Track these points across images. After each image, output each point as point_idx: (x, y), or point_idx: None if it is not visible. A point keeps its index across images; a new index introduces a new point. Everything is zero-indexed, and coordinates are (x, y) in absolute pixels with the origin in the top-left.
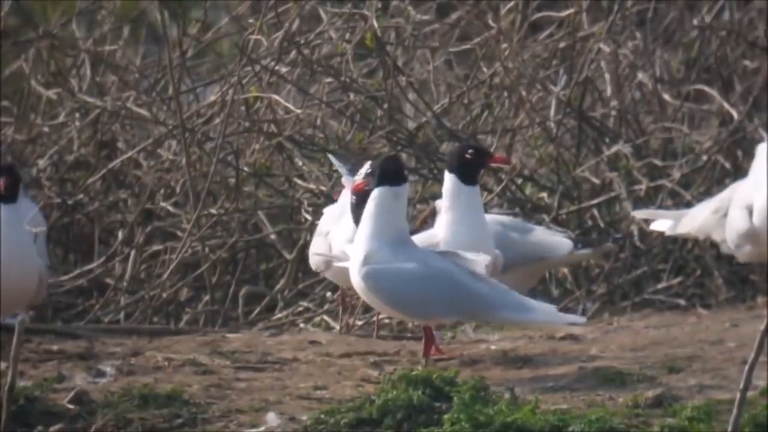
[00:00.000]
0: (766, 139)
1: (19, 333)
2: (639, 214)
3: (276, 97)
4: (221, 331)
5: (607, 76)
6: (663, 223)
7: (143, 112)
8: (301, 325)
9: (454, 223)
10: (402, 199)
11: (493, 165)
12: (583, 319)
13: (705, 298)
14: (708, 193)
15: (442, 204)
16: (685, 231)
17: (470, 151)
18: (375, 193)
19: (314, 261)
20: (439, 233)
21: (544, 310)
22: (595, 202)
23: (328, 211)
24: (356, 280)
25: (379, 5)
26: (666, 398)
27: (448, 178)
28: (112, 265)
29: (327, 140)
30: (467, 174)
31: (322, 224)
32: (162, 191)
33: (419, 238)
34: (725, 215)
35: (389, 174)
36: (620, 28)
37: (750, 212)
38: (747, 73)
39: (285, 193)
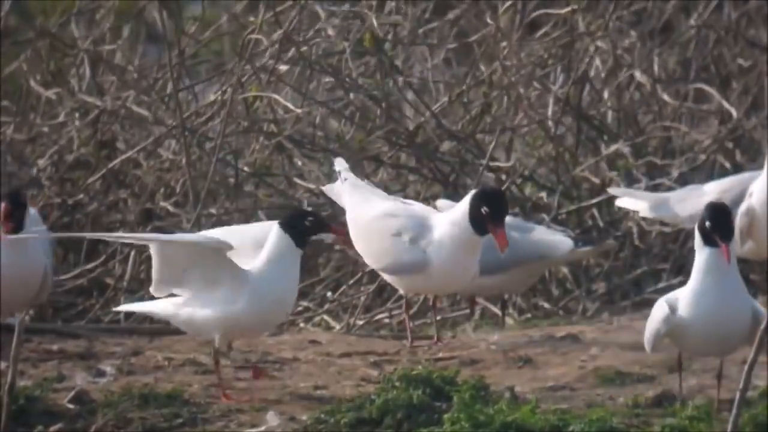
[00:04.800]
0: None
1: (19, 332)
2: (613, 192)
3: (276, 96)
4: None
5: (603, 75)
6: (635, 203)
7: (143, 111)
8: (301, 324)
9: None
10: None
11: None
12: None
13: None
14: None
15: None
16: (668, 216)
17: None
18: None
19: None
20: None
21: None
22: (594, 201)
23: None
24: None
25: (375, 3)
26: (666, 398)
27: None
28: (112, 264)
29: (327, 140)
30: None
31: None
32: (162, 191)
33: None
34: None
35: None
36: (617, 26)
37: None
38: (744, 71)
39: (285, 193)
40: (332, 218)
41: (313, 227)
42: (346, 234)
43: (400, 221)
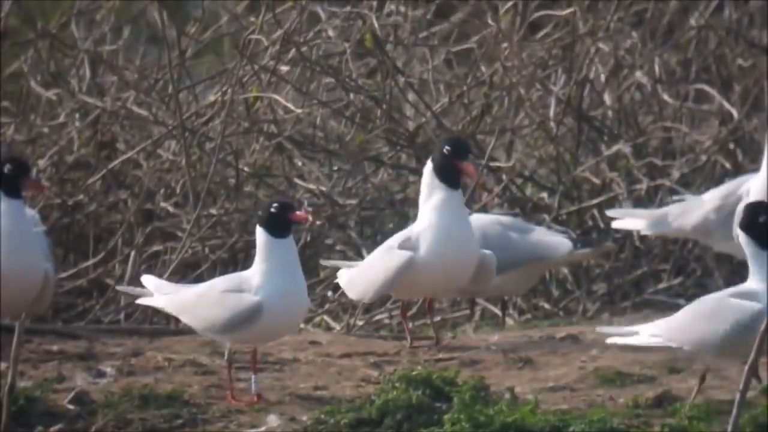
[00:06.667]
0: None
1: (19, 333)
2: (611, 214)
3: (276, 96)
4: None
5: (603, 76)
6: (634, 222)
7: (143, 112)
8: (302, 325)
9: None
10: None
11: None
12: None
13: None
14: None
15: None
16: (671, 231)
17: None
18: None
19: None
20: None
21: None
22: (595, 202)
23: None
24: None
25: (375, 4)
26: (666, 398)
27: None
28: (112, 265)
29: (327, 140)
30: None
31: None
32: (162, 191)
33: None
34: (730, 213)
35: None
36: (618, 27)
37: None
38: (745, 72)
39: (285, 194)
40: (333, 218)
41: (280, 212)
42: (312, 215)
43: (392, 239)
